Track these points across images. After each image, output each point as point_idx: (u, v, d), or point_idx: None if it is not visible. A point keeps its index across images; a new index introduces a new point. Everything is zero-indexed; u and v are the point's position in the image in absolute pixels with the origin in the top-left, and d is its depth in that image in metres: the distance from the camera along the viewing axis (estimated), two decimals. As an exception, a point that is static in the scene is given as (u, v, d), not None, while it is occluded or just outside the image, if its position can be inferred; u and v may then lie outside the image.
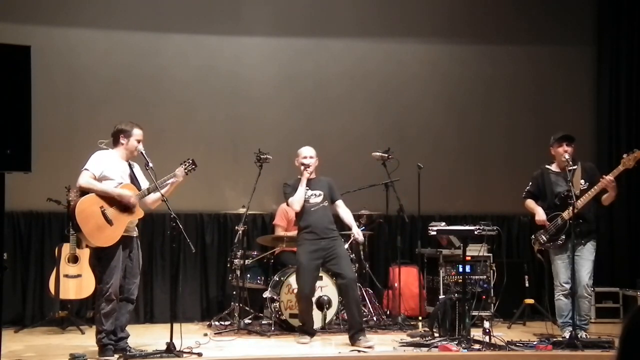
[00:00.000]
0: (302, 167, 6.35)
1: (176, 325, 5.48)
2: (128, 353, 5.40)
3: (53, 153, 7.33)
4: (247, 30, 8.26)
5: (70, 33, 7.89)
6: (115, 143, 5.61)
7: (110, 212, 5.39)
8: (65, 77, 7.82)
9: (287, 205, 6.52)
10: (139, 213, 5.59)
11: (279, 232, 7.52)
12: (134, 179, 5.62)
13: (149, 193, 5.60)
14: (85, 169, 5.42)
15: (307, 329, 6.29)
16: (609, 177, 5.99)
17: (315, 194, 6.36)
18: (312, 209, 6.30)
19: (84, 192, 5.43)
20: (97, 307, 5.51)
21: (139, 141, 5.59)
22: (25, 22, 7.61)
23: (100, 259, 5.47)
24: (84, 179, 5.39)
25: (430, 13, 8.63)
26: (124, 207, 5.45)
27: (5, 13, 7.53)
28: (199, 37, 8.20)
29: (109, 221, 5.37)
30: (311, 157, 6.40)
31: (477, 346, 5.67)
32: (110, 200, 5.40)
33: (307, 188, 6.34)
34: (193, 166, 5.77)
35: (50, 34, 7.76)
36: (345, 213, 6.48)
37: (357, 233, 6.46)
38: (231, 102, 8.23)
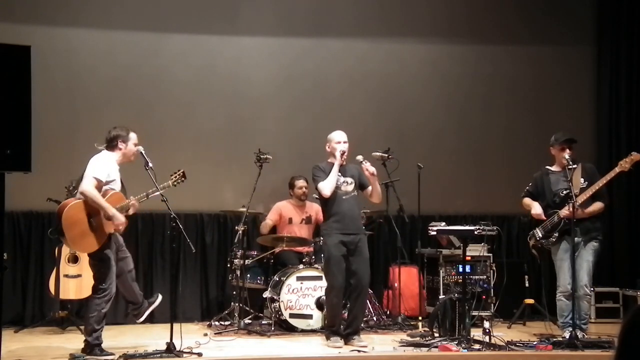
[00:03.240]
0: (339, 154, 6.11)
1: (176, 325, 5.50)
2: (128, 353, 5.41)
3: (53, 153, 7.33)
4: (247, 30, 8.26)
5: (71, 33, 7.89)
6: (112, 148, 5.64)
7: (97, 220, 5.45)
8: (66, 77, 7.82)
9: (316, 189, 6.25)
10: (124, 223, 5.63)
11: (267, 223, 7.54)
12: (122, 184, 5.72)
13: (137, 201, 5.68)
14: (93, 177, 5.42)
15: (337, 329, 6.07)
16: (564, 213, 6.04)
17: (347, 182, 6.17)
18: (344, 197, 6.12)
19: (74, 190, 5.53)
20: (96, 306, 5.50)
21: (135, 145, 5.67)
22: (25, 22, 7.60)
23: (103, 261, 5.51)
24: (88, 187, 5.40)
25: (430, 13, 8.63)
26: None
27: (5, 13, 7.53)
28: (199, 37, 8.20)
29: (93, 229, 5.43)
30: (345, 142, 6.19)
31: (477, 346, 5.68)
32: (97, 209, 5.45)
33: (340, 174, 6.15)
34: (183, 178, 5.86)
35: (50, 34, 7.75)
36: (374, 191, 6.23)
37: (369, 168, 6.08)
38: (231, 102, 8.22)
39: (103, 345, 5.53)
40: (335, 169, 6.12)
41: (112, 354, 5.47)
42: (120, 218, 5.47)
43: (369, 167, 6.09)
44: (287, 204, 7.73)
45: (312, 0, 8.49)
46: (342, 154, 6.14)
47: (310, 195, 7.59)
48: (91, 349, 5.44)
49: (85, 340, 5.50)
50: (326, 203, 6.20)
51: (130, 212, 5.68)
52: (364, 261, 6.13)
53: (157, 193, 5.57)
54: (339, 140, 6.22)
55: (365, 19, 8.52)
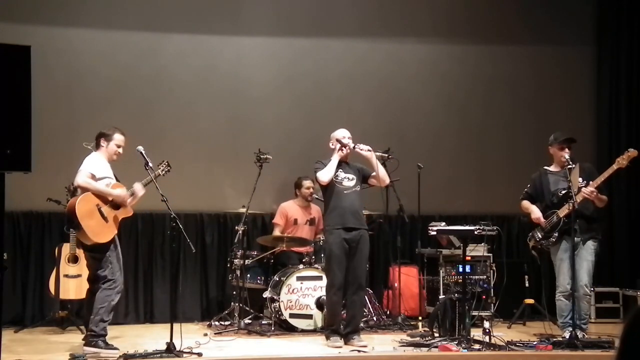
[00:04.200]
0: (339, 145, 6.16)
1: (176, 325, 5.50)
2: (128, 353, 5.42)
3: (53, 153, 7.33)
4: (247, 30, 8.26)
5: (71, 33, 7.88)
6: (97, 146, 5.76)
7: (105, 209, 5.59)
8: (65, 77, 7.82)
9: (315, 179, 6.34)
10: (129, 211, 5.79)
11: (277, 231, 7.54)
12: (117, 179, 5.84)
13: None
14: (84, 170, 5.56)
15: (337, 329, 6.06)
16: (589, 189, 5.99)
17: (348, 177, 6.21)
18: (345, 192, 6.15)
19: (75, 191, 5.73)
20: (106, 297, 5.54)
21: (118, 146, 5.75)
22: (25, 22, 7.60)
23: (112, 251, 5.61)
24: (83, 178, 5.55)
25: (430, 13, 8.63)
26: (117, 204, 5.67)
27: (5, 13, 7.53)
28: (199, 37, 8.19)
29: (104, 218, 5.56)
30: (349, 138, 6.25)
31: (477, 346, 5.68)
32: (104, 198, 5.60)
33: (341, 170, 6.20)
34: (169, 167, 6.02)
35: (50, 34, 7.75)
36: (378, 173, 6.22)
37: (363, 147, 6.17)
38: (231, 102, 8.22)
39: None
40: (335, 158, 6.16)
41: (116, 348, 5.52)
42: (123, 194, 5.65)
43: (362, 147, 6.17)
44: (293, 205, 7.72)
45: (312, 0, 8.48)
46: (342, 147, 6.16)
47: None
48: (96, 340, 5.46)
49: (91, 331, 5.51)
50: (327, 198, 6.23)
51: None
52: (362, 258, 6.15)
53: (152, 181, 5.71)
54: (342, 135, 6.28)
55: (365, 19, 8.52)
